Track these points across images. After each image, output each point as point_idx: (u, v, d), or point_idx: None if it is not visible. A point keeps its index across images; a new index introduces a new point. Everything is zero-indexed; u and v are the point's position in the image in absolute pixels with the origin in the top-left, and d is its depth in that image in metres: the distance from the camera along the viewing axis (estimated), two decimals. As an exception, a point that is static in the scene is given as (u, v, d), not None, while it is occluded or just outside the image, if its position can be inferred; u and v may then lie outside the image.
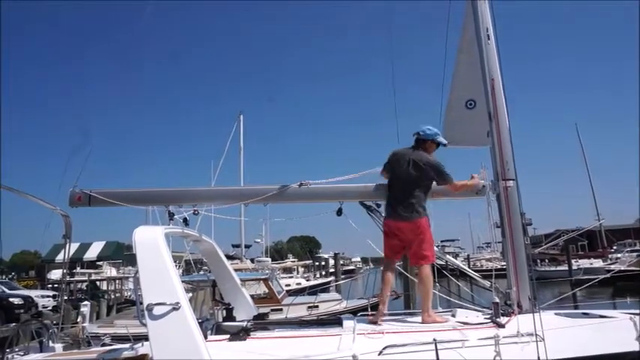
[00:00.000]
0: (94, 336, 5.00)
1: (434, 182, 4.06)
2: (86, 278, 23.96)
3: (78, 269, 26.77)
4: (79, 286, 21.61)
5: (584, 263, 30.47)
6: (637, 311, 3.66)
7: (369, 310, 4.57)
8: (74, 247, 24.76)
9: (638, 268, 19.05)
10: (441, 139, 4.16)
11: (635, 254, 30.10)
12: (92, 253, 28.50)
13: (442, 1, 4.84)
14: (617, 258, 31.01)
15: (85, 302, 5.18)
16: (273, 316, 6.33)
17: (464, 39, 4.50)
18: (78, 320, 4.90)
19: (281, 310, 10.69)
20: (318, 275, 34.29)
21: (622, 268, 20.20)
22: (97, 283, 24.01)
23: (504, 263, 4.14)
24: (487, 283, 4.16)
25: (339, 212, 4.14)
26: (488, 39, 4.23)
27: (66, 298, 17.96)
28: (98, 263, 30.35)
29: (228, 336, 3.40)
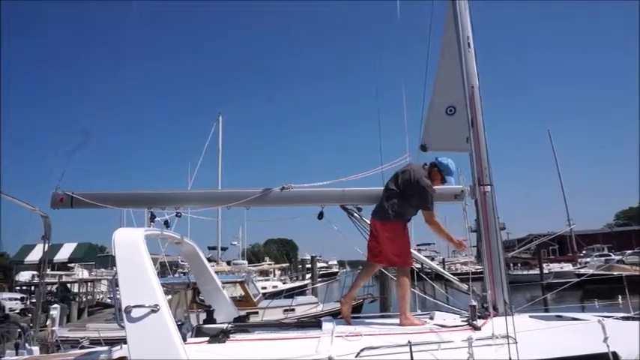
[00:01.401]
0: (64, 340, 4.88)
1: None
2: (56, 280, 23.28)
3: (48, 271, 25.97)
4: (48, 288, 21.00)
5: (555, 267, 31.26)
6: (606, 314, 3.80)
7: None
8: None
9: (605, 272, 19.69)
10: (449, 178, 4.18)
11: (603, 259, 31.12)
12: (63, 255, 27.80)
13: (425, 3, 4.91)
14: (586, 262, 31.95)
15: (55, 305, 5.05)
16: (251, 319, 6.30)
17: (445, 45, 4.59)
18: (47, 324, 4.78)
19: (257, 313, 10.63)
20: (297, 278, 34.17)
21: (591, 272, 20.84)
22: (68, 285, 23.36)
23: (478, 267, 4.22)
24: (464, 287, 4.23)
25: (320, 216, 4.16)
26: (469, 47, 4.32)
27: (35, 301, 17.43)
28: (69, 265, 29.56)
29: (207, 338, 3.37)
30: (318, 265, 49.21)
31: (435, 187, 4.09)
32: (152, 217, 4.03)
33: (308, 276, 37.19)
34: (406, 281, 3.96)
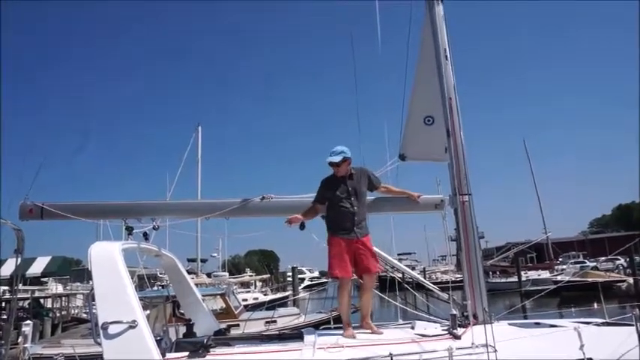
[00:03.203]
0: (37, 357, 4.73)
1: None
2: (29, 295, 22.52)
3: (20, 286, 25.13)
4: (20, 303, 20.27)
5: (533, 275, 31.79)
6: (583, 320, 3.87)
7: (332, 323, 4.60)
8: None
9: (581, 279, 20.10)
10: (329, 157, 4.12)
11: (578, 266, 31.80)
12: (36, 269, 27.00)
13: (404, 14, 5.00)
14: (562, 269, 32.56)
15: (27, 321, 4.88)
16: (232, 331, 6.21)
17: (422, 56, 4.66)
18: (19, 341, 4.62)
19: (238, 325, 10.50)
20: (277, 289, 33.93)
21: (568, 279, 21.26)
22: (41, 300, 22.62)
23: (458, 276, 4.27)
24: (445, 296, 4.27)
25: (302, 226, 4.15)
26: (446, 58, 4.40)
27: (5, 317, 16.86)
28: (43, 279, 28.68)
29: (187, 353, 3.30)
30: (310, 275, 49.21)
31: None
32: (130, 230, 3.94)
33: (301, 286, 37.16)
34: (340, 294, 4.04)
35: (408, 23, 4.92)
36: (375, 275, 4.11)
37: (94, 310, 2.77)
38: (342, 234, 3.99)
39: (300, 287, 35.50)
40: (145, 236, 3.96)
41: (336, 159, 4.07)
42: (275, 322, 11.63)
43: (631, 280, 23.20)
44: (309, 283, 44.15)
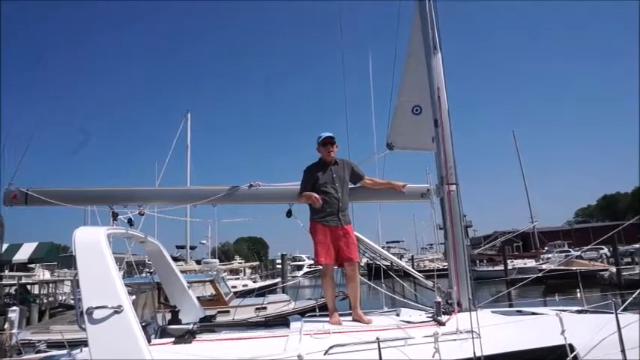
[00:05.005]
0: (25, 343, 4.71)
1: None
2: (15, 282, 22.32)
3: (6, 272, 24.90)
4: (6, 290, 20.10)
5: (519, 263, 32.28)
6: (565, 308, 3.96)
7: (317, 310, 4.63)
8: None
9: (565, 268, 20.43)
10: (323, 134, 4.20)
11: (563, 255, 32.33)
12: (23, 255, 26.67)
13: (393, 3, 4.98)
14: (547, 258, 33.08)
15: (14, 307, 4.86)
16: (220, 319, 6.24)
17: (411, 46, 4.66)
18: (5, 327, 4.61)
19: (228, 312, 10.55)
20: (266, 276, 34.06)
21: (552, 268, 21.60)
22: (28, 286, 22.44)
23: (446, 264, 4.31)
24: (430, 284, 4.32)
25: (289, 214, 4.15)
26: (435, 49, 4.39)
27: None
28: (30, 266, 28.41)
29: (172, 339, 3.32)
30: (309, 262, 49.65)
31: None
32: (115, 216, 3.91)
33: (300, 273, 37.35)
34: (324, 282, 4.09)
35: (398, 11, 4.90)
36: (356, 264, 4.11)
37: (78, 296, 2.75)
38: (326, 220, 4.00)
39: (299, 274, 35.88)
40: (130, 222, 3.94)
41: (332, 135, 4.13)
42: (265, 308, 11.69)
43: (613, 269, 23.67)
44: (308, 270, 44.41)
